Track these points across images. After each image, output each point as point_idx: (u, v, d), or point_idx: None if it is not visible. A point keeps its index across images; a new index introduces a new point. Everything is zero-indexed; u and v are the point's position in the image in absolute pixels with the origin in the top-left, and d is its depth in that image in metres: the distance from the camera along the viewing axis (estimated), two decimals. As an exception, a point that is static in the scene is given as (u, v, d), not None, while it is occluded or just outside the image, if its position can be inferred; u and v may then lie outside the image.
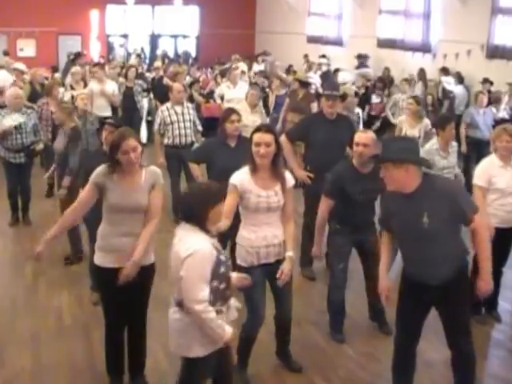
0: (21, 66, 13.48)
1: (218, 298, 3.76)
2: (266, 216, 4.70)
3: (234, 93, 11.62)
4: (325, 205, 5.65)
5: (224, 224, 4.27)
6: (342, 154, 6.45)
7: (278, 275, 4.66)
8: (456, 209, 4.10)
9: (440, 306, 4.41)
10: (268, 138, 4.60)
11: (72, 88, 11.79)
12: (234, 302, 3.95)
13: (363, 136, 5.60)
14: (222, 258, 3.77)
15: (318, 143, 6.81)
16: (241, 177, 4.66)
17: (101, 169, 4.51)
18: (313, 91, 11.94)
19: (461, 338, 4.41)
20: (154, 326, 5.03)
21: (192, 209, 3.71)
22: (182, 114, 8.68)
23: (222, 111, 11.85)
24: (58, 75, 14.22)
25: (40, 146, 8.55)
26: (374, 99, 13.49)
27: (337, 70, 16.33)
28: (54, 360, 5.33)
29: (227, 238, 5.76)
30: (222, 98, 12.16)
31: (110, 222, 4.54)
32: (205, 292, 3.65)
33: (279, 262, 4.74)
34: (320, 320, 5.99)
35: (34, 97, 10.33)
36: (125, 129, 4.76)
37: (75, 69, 12.94)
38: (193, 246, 3.64)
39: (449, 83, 14.08)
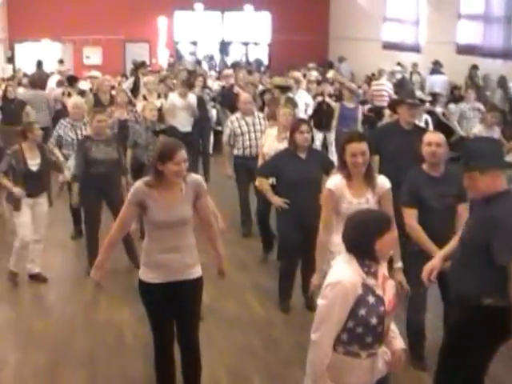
0: (96, 73, 13.54)
1: (355, 340, 3.31)
2: None
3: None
4: (409, 216, 5.13)
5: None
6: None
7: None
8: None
9: None
10: (364, 146, 4.64)
11: (145, 98, 11.28)
12: (384, 354, 3.46)
13: (435, 136, 5.33)
14: (370, 299, 3.28)
15: (390, 154, 6.37)
16: (335, 181, 4.70)
17: (139, 186, 4.32)
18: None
19: None
20: (217, 346, 4.71)
21: (354, 240, 3.35)
22: (253, 124, 8.37)
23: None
24: (126, 86, 13.98)
25: None
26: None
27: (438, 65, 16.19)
28: (111, 382, 5.08)
29: None
30: None
31: (153, 238, 4.37)
32: (330, 327, 3.26)
33: None
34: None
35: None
36: (174, 139, 4.72)
37: (147, 78, 12.66)
38: (336, 275, 3.32)
39: None
